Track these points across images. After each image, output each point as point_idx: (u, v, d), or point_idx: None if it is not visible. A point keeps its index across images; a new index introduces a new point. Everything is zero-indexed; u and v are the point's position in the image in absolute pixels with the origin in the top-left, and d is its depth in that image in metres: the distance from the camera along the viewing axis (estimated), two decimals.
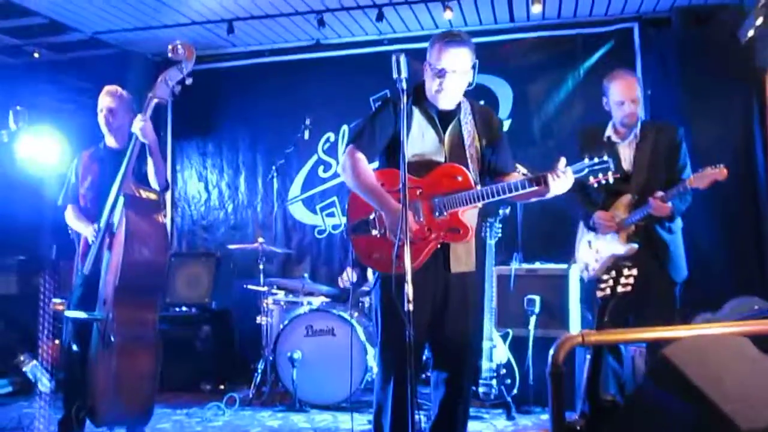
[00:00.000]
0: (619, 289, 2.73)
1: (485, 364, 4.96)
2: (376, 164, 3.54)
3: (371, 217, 3.35)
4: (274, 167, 6.49)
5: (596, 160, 3.13)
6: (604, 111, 4.35)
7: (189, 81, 4.12)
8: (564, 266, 5.21)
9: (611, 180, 3.15)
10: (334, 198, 7.11)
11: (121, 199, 4.10)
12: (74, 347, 4.23)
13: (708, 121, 5.79)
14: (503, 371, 5.02)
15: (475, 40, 6.62)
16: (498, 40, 6.79)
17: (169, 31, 6.68)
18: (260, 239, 6.00)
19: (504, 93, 6.75)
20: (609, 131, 4.38)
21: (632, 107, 4.23)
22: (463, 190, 3.24)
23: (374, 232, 3.34)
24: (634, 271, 2.74)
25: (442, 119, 3.40)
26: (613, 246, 4.22)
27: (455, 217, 3.26)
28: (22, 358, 5.70)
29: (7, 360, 5.93)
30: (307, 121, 6.01)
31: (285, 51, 7.35)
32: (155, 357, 4.10)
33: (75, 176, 4.57)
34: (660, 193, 4.00)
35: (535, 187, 3.14)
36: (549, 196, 3.19)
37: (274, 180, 6.53)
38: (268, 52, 7.37)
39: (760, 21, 5.07)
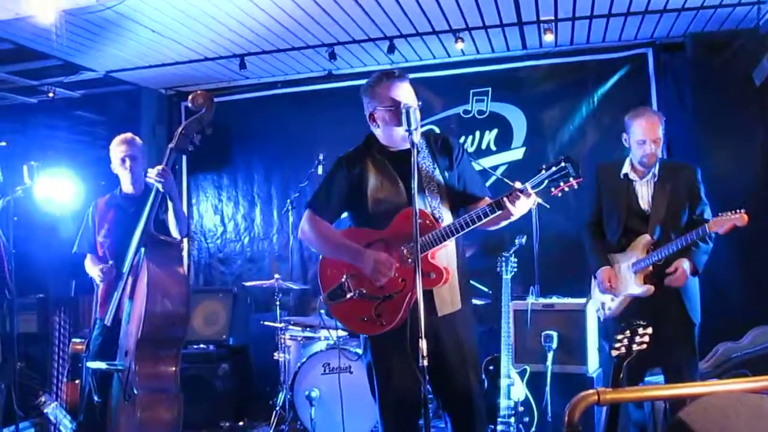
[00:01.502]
0: (635, 347, 2.69)
1: (503, 402, 4.90)
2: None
3: (342, 280, 3.27)
4: (289, 200, 6.50)
5: (553, 169, 2.96)
6: (618, 138, 4.29)
7: (209, 131, 4.12)
8: (581, 300, 5.14)
9: (576, 186, 2.99)
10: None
11: (143, 250, 4.10)
12: (95, 398, 4.22)
13: (724, 149, 5.74)
14: (521, 409, 4.95)
15: (487, 68, 6.83)
16: (511, 67, 6.80)
17: (182, 67, 6.76)
18: (276, 275, 5.98)
19: (518, 120, 6.74)
20: (626, 168, 4.29)
21: (653, 147, 4.13)
22: (428, 231, 3.10)
23: (349, 295, 3.25)
24: (649, 330, 2.70)
25: (396, 162, 3.26)
26: (629, 287, 4.18)
27: (425, 262, 3.11)
28: (42, 399, 5.68)
29: (28, 401, 5.93)
30: (321, 157, 6.01)
31: (297, 82, 7.39)
32: (178, 408, 4.09)
33: (92, 223, 4.59)
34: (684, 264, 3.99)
35: (498, 212, 3.05)
36: (514, 218, 3.10)
37: (290, 213, 6.53)
38: (281, 83, 7.41)
39: None
